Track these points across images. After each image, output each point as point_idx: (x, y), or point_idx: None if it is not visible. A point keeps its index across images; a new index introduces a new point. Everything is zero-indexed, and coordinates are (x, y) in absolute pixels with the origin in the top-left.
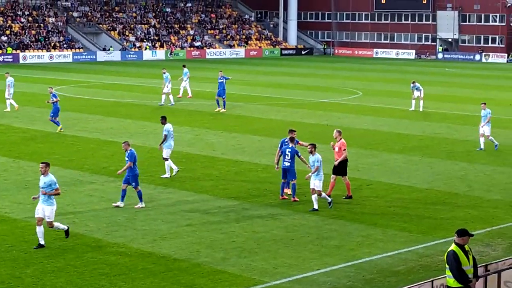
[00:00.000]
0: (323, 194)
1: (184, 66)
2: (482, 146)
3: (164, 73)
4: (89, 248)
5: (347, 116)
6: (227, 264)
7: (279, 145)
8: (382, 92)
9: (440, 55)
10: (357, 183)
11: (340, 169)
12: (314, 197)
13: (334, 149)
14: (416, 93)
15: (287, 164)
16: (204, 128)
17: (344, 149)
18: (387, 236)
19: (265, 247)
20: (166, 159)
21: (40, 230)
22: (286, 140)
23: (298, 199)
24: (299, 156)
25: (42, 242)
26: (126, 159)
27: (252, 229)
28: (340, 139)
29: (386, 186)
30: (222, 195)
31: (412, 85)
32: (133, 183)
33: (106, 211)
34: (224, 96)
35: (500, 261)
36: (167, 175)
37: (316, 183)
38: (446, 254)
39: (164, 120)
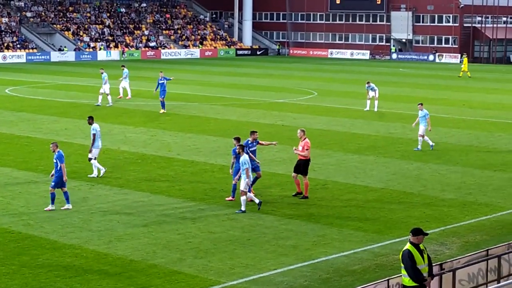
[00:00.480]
0: (250, 195)
1: (123, 66)
2: (419, 147)
3: (102, 73)
4: (44, 249)
5: (302, 117)
6: (184, 264)
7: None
8: (337, 92)
9: (394, 56)
10: (312, 183)
11: (302, 168)
12: (242, 198)
13: (297, 150)
14: (371, 93)
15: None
16: (160, 129)
17: (307, 149)
18: (343, 235)
19: (222, 247)
20: (91, 159)
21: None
22: (250, 141)
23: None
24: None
25: None
26: (55, 161)
27: (208, 230)
28: (304, 138)
29: (341, 186)
30: (178, 195)
31: (367, 85)
32: (61, 185)
33: (61, 212)
34: (163, 97)
35: (454, 260)
36: (94, 174)
37: (242, 183)
38: (401, 253)
39: (91, 120)
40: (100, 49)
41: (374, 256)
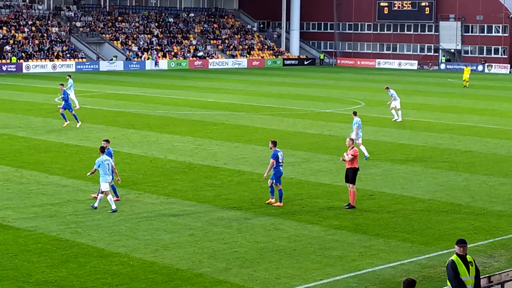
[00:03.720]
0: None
1: (69, 76)
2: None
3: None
4: (92, 257)
5: (349, 127)
6: (229, 274)
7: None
8: (384, 102)
9: (442, 66)
10: (359, 193)
11: (350, 177)
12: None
13: (344, 160)
14: (393, 103)
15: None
16: (207, 138)
17: (353, 155)
18: (389, 246)
19: (267, 257)
20: None
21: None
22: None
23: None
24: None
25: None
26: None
27: (254, 239)
28: (353, 147)
29: (388, 196)
30: (224, 205)
31: (388, 91)
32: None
33: (108, 220)
34: (70, 109)
35: (503, 272)
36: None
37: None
38: (446, 264)
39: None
40: (148, 58)
41: (421, 267)
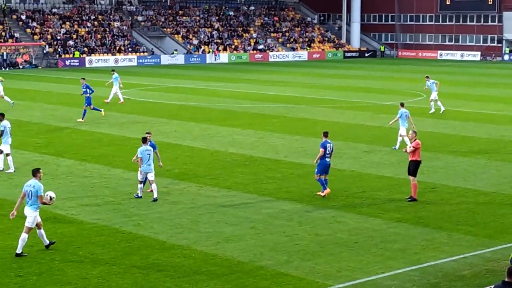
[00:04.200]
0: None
1: (113, 71)
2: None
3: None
4: (154, 250)
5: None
6: (290, 267)
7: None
8: (446, 94)
9: (506, 57)
10: (421, 186)
11: (412, 169)
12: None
13: (407, 151)
14: (434, 94)
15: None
16: (267, 131)
17: (415, 147)
18: (452, 239)
19: (329, 250)
20: (8, 154)
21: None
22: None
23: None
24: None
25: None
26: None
27: (315, 232)
28: (416, 139)
29: (451, 189)
30: (285, 197)
31: (427, 81)
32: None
33: (170, 213)
34: (90, 105)
35: None
36: (11, 170)
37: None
38: (510, 258)
39: (2, 117)
40: (209, 52)
41: (485, 261)
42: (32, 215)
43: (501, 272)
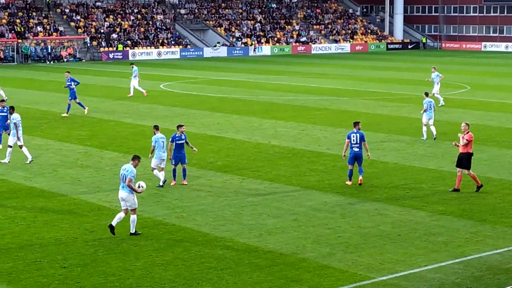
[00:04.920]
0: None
1: (132, 64)
2: (424, 136)
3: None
4: (197, 242)
5: (455, 111)
6: (333, 259)
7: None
8: (491, 86)
9: None
10: (465, 178)
11: (464, 162)
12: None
13: (457, 145)
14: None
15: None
16: (310, 123)
17: (468, 140)
18: (496, 232)
19: (371, 242)
20: (11, 147)
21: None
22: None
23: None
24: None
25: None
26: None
27: (358, 224)
28: (468, 131)
29: (495, 182)
30: (328, 190)
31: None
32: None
33: (213, 205)
34: (75, 98)
35: None
36: (6, 160)
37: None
38: None
39: (12, 110)
40: (252, 44)
41: None
42: (130, 197)
43: None
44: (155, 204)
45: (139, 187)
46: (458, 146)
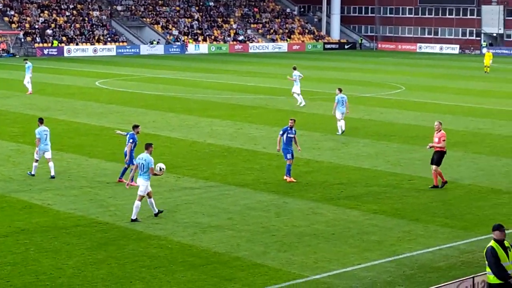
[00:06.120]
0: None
1: (25, 60)
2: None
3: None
4: (130, 240)
5: (389, 111)
6: (267, 258)
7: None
8: (425, 87)
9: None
10: (398, 178)
11: (437, 160)
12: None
13: (432, 146)
14: (295, 87)
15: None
16: (246, 122)
17: (444, 140)
18: (428, 231)
19: (306, 241)
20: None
21: None
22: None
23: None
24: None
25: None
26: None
27: (293, 223)
28: (441, 130)
29: (428, 181)
30: (263, 189)
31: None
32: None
33: (147, 203)
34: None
35: None
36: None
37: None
38: (485, 250)
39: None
40: (189, 42)
41: (460, 253)
42: (144, 185)
43: (476, 263)
44: (89, 202)
45: (160, 170)
46: (433, 147)
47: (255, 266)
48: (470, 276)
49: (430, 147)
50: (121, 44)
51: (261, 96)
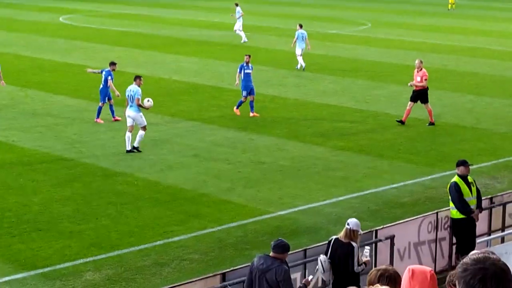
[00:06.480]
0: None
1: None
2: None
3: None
4: (96, 177)
5: (355, 48)
6: (233, 194)
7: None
8: (391, 23)
9: None
10: (364, 114)
11: (423, 97)
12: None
13: (413, 82)
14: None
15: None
16: (212, 58)
17: (426, 79)
18: (393, 167)
19: (271, 177)
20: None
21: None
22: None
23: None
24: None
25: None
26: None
27: (259, 160)
28: (421, 68)
29: (393, 118)
30: (229, 125)
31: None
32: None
33: (113, 140)
34: None
35: (505, 194)
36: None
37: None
38: (448, 186)
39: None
40: None
41: (425, 188)
42: (138, 115)
43: (439, 199)
44: (54, 138)
45: (148, 101)
46: (413, 85)
47: (221, 202)
48: (434, 211)
49: (411, 85)
50: None
51: (228, 33)
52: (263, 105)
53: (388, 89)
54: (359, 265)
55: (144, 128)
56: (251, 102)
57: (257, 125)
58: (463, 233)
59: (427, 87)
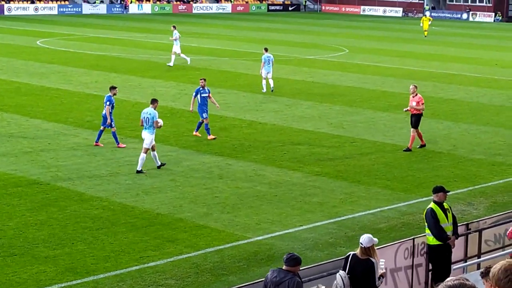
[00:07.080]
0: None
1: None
2: (264, 89)
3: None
4: (72, 201)
5: (332, 73)
6: (210, 219)
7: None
8: (368, 49)
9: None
10: (341, 140)
11: (415, 122)
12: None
13: (409, 107)
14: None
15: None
16: (190, 83)
17: (422, 103)
18: (370, 193)
19: (248, 203)
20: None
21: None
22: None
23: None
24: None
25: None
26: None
27: (235, 185)
28: (416, 93)
29: (370, 144)
30: (206, 150)
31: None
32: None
33: (89, 165)
34: None
35: (481, 220)
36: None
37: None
38: (425, 212)
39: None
40: (131, 2)
41: (401, 214)
42: (149, 138)
43: (416, 225)
44: (30, 163)
45: (157, 123)
46: (409, 110)
47: (197, 227)
48: (411, 238)
49: (407, 110)
50: (62, 2)
51: (204, 58)
52: (240, 130)
53: (365, 115)
54: (378, 279)
55: (145, 150)
56: (200, 123)
57: (234, 150)
58: (439, 260)
59: (422, 113)
